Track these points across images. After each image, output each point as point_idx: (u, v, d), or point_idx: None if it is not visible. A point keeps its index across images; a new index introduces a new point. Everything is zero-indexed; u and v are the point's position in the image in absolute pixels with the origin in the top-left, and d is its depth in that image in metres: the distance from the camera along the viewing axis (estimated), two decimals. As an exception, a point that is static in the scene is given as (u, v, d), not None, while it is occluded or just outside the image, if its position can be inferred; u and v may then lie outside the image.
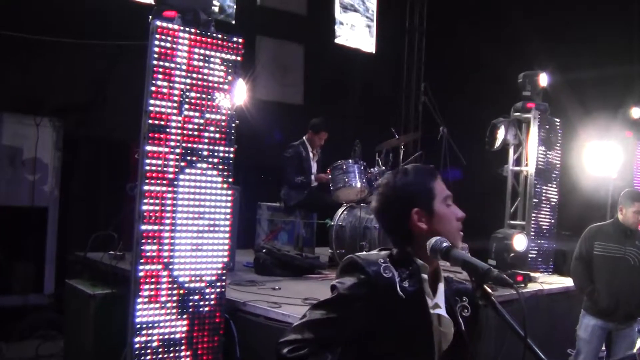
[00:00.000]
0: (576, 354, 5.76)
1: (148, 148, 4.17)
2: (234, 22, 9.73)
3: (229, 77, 4.53)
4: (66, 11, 7.60)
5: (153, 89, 4.17)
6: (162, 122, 4.21)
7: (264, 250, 6.61)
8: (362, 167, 7.27)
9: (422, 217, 2.18)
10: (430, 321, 2.12)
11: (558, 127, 7.93)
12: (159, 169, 4.20)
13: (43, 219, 8.04)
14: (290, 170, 7.79)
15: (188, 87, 4.32)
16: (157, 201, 4.20)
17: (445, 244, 2.04)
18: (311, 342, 2.07)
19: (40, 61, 7.56)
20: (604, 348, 5.84)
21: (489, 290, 1.91)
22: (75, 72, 7.90)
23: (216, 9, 9.30)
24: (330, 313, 2.09)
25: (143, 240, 4.14)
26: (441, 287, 2.21)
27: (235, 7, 9.81)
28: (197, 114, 4.37)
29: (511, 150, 7.94)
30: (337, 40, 11.53)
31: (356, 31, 11.83)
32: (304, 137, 8.02)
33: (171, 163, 4.25)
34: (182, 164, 4.30)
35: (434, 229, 2.15)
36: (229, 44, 4.51)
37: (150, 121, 4.17)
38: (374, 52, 12.07)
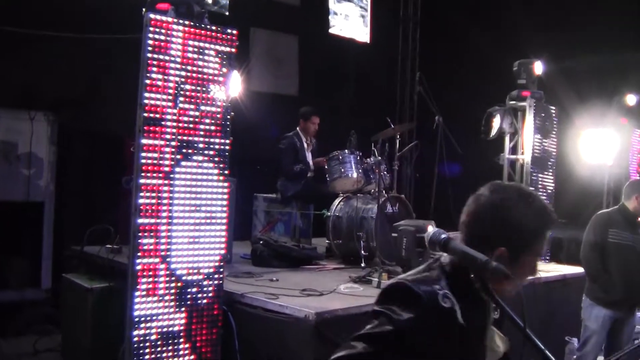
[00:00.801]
0: (583, 343, 5.71)
1: (143, 141, 4.16)
2: (227, 13, 9.66)
3: (224, 69, 4.52)
4: (60, 5, 7.55)
5: (148, 81, 4.16)
6: (157, 115, 4.20)
7: (261, 242, 6.61)
8: (358, 158, 7.27)
9: (504, 259, 1.91)
10: (485, 347, 1.98)
11: (554, 115, 7.93)
12: (155, 162, 4.19)
13: (39, 213, 8.01)
14: (287, 162, 7.79)
15: (183, 79, 4.31)
16: (154, 194, 4.19)
17: (443, 236, 1.97)
18: None
19: (34, 55, 7.51)
20: None
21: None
22: (69, 66, 7.85)
23: (209, 1, 9.24)
24: (377, 347, 1.82)
25: (140, 234, 4.14)
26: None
27: (228, -2, 9.76)
28: (192, 106, 4.36)
29: (507, 139, 7.94)
30: (331, 31, 11.48)
31: (350, 21, 11.78)
32: (297, 128, 8.04)
33: (167, 156, 4.24)
34: (178, 156, 4.30)
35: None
36: (223, 36, 4.50)
37: (145, 114, 4.15)
38: (368, 42, 12.03)
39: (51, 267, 7.96)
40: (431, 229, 2.03)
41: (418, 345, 1.81)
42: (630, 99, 8.40)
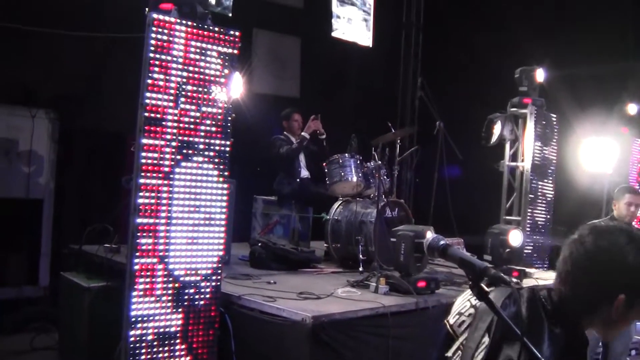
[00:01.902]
0: None
1: (144, 141, 4.16)
2: (230, 15, 9.68)
3: (226, 70, 4.51)
4: (62, 3, 7.55)
5: (149, 81, 4.16)
6: (159, 115, 4.20)
7: (259, 244, 6.61)
8: (358, 162, 7.26)
9: (622, 306, 1.85)
10: None
11: (554, 122, 7.93)
12: (155, 162, 4.19)
13: (38, 211, 8.00)
14: (277, 149, 7.84)
15: (184, 80, 4.31)
16: (153, 194, 4.19)
17: (442, 242, 1.96)
18: None
19: (36, 52, 7.51)
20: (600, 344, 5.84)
21: (486, 288, 1.89)
22: (71, 64, 7.85)
23: (213, 2, 9.21)
24: None
25: (138, 234, 4.13)
26: None
27: (232, -1, 9.76)
28: (193, 107, 4.35)
29: (507, 146, 7.94)
30: (334, 34, 11.47)
31: (353, 25, 11.77)
32: (284, 132, 8.11)
33: (167, 156, 4.24)
34: (178, 157, 4.29)
35: (618, 321, 1.90)
36: (226, 37, 4.50)
37: (146, 114, 4.15)
38: (370, 46, 12.02)
39: (49, 265, 7.95)
40: (430, 234, 2.03)
41: None
42: (632, 108, 8.43)
